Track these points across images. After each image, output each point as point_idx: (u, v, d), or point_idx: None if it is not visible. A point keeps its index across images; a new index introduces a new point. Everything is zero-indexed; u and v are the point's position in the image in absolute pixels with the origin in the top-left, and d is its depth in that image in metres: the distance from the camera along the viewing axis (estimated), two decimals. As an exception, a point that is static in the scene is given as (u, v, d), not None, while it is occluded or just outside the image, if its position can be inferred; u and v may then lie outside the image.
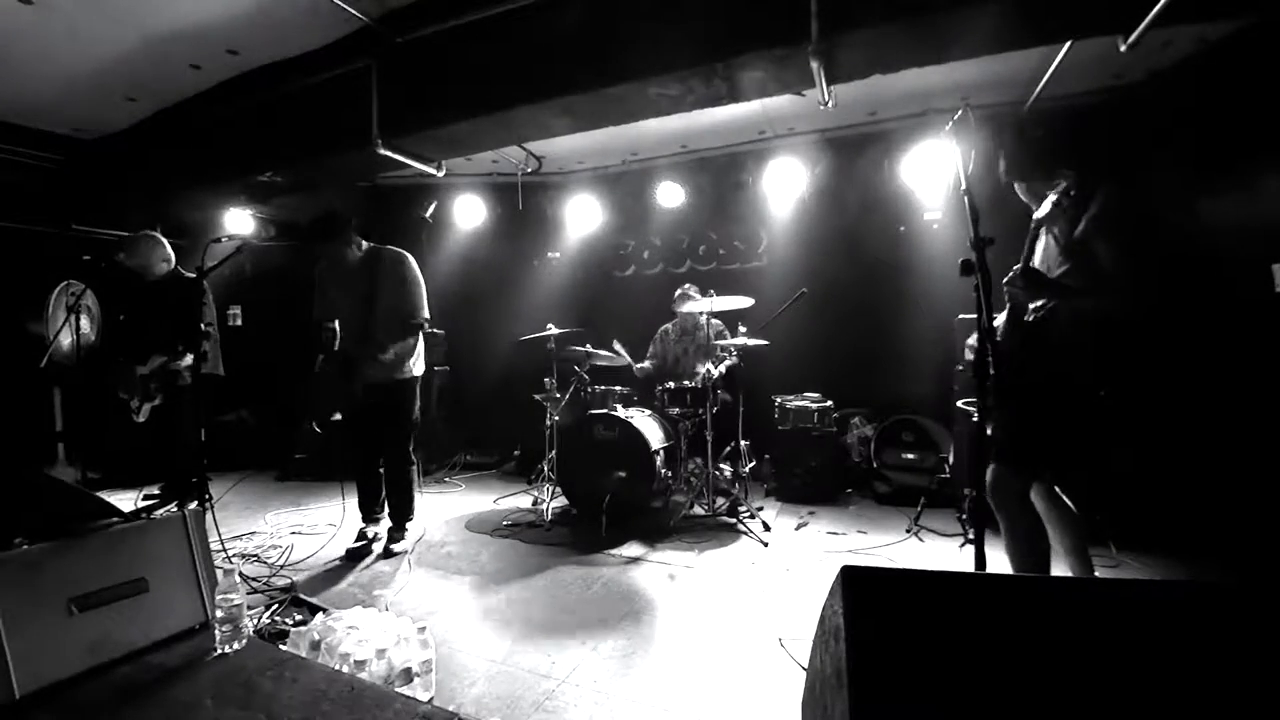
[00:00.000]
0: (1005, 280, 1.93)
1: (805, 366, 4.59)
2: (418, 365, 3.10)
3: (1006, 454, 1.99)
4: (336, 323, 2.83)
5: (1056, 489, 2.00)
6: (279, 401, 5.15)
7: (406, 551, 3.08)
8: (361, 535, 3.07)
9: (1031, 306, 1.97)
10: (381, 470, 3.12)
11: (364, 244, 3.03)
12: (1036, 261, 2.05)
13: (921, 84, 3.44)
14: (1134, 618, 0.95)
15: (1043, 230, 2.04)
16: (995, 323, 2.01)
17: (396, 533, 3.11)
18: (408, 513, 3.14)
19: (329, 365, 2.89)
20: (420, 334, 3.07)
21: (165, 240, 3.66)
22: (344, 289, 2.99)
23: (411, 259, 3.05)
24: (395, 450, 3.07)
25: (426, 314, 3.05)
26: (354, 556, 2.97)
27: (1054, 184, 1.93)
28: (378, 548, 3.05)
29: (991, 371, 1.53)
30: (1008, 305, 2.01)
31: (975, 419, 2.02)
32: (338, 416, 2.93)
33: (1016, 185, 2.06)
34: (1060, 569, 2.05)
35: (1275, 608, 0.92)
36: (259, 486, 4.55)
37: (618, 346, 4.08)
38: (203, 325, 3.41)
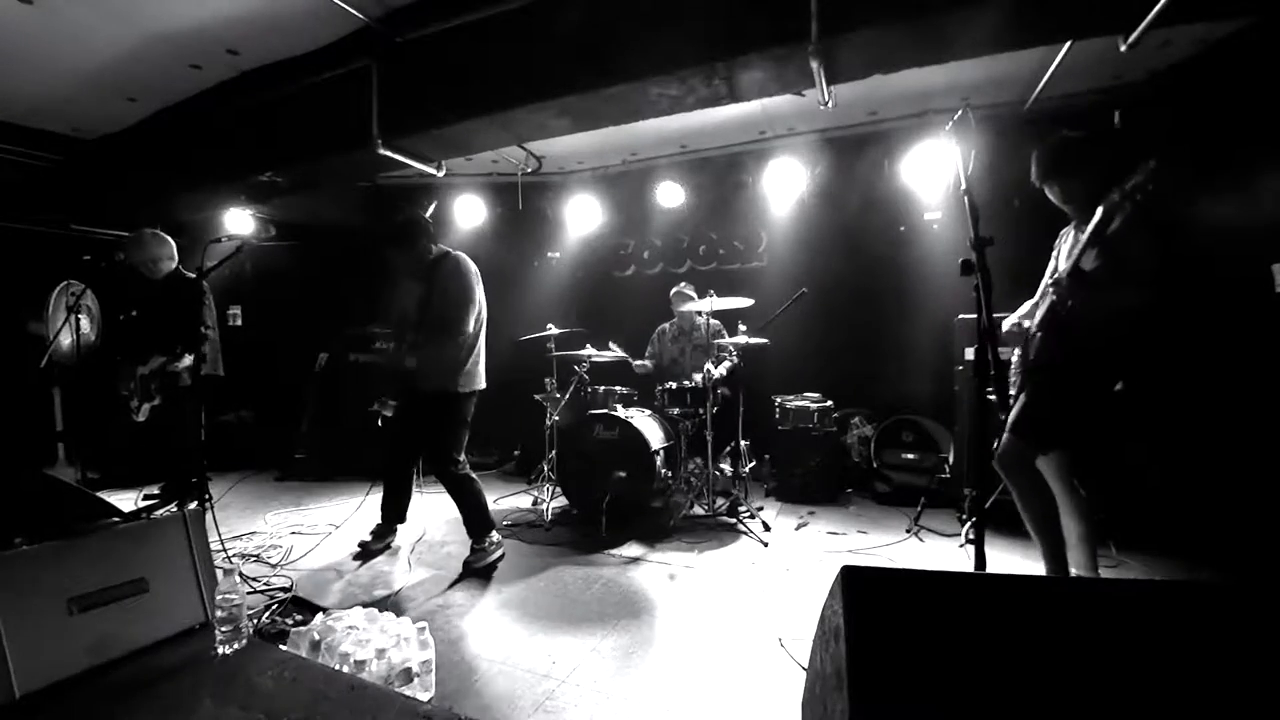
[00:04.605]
0: (1051, 281, 2.08)
1: (805, 366, 4.59)
2: (465, 381, 2.84)
3: (1020, 426, 2.13)
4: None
5: (1074, 480, 2.07)
6: (278, 401, 5.16)
7: (486, 563, 2.81)
8: (377, 533, 3.03)
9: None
10: (408, 475, 3.08)
11: (435, 247, 2.89)
12: (1063, 255, 2.17)
13: (921, 84, 3.44)
14: (1134, 618, 0.95)
15: (1072, 228, 2.16)
16: (1036, 317, 2.15)
17: (477, 547, 2.84)
18: (481, 526, 2.84)
19: (390, 355, 2.86)
20: (460, 348, 2.80)
21: (169, 238, 3.66)
22: (407, 289, 2.97)
23: (466, 269, 2.83)
24: (439, 466, 2.85)
25: (466, 328, 2.76)
26: (359, 555, 2.96)
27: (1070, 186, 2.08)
28: (383, 548, 3.04)
29: (993, 372, 1.54)
30: (1049, 300, 2.09)
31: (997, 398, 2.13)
32: (389, 411, 3.00)
33: (1048, 189, 2.13)
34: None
35: (1275, 608, 0.92)
36: (259, 486, 4.54)
37: (614, 347, 4.08)
38: (203, 328, 3.41)
